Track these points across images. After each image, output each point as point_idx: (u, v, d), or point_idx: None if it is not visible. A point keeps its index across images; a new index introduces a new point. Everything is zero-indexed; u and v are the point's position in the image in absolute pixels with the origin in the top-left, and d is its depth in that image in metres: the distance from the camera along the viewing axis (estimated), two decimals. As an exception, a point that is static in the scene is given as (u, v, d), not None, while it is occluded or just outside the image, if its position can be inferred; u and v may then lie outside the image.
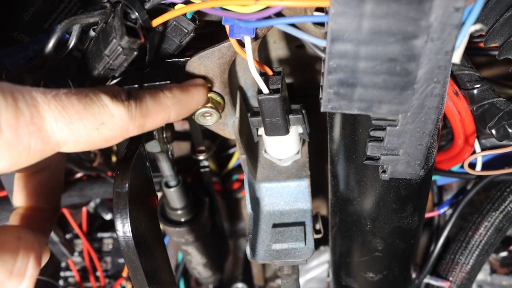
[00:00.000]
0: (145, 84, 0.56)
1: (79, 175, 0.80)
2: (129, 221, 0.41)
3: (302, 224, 0.53)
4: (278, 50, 0.64)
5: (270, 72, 0.47)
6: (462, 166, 0.64)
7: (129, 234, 0.41)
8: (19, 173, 0.46)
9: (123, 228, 0.41)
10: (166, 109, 0.41)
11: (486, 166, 0.67)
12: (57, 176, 0.48)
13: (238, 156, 0.78)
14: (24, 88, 0.33)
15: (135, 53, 0.40)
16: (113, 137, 0.37)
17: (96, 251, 0.93)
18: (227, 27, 0.42)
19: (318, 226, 0.56)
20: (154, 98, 0.40)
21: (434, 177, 0.71)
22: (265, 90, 0.45)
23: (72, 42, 0.42)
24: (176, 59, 0.49)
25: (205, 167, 0.72)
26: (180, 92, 0.43)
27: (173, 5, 0.43)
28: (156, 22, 0.41)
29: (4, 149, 0.31)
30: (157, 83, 0.55)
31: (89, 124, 0.35)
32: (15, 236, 0.38)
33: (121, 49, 0.39)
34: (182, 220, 0.72)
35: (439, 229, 0.77)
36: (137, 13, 0.40)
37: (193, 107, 0.46)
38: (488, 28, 0.48)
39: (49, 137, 0.33)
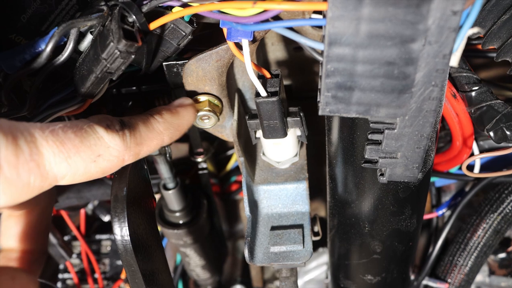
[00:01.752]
0: (143, 87, 0.56)
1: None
2: (127, 224, 0.41)
3: (301, 226, 0.53)
4: (276, 52, 0.64)
5: (268, 75, 0.47)
6: (460, 168, 0.64)
7: (127, 237, 0.41)
8: (7, 214, 0.45)
9: (121, 232, 0.41)
10: (159, 134, 0.42)
11: (484, 168, 0.67)
12: (46, 216, 0.47)
13: (236, 158, 0.78)
14: (22, 125, 0.33)
15: (133, 56, 0.40)
16: (109, 167, 0.38)
17: (94, 253, 0.93)
18: (225, 30, 0.42)
19: (317, 228, 0.56)
20: (147, 125, 0.41)
21: (432, 179, 0.71)
22: (263, 93, 0.45)
23: (69, 46, 0.42)
24: (174, 62, 0.49)
25: (203, 169, 0.71)
26: (171, 115, 0.44)
27: (170, 8, 0.42)
28: (153, 25, 0.41)
29: (4, 186, 0.31)
30: (155, 85, 0.56)
31: (86, 157, 0.35)
32: (10, 276, 0.38)
33: (118, 53, 0.39)
34: (181, 222, 0.72)
35: (438, 230, 0.77)
36: (134, 16, 0.40)
37: (185, 128, 0.46)
38: (486, 30, 0.48)
39: (47, 173, 0.34)
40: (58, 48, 0.43)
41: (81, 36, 0.43)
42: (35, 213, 0.45)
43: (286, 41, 0.62)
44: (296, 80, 0.68)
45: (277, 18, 0.40)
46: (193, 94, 0.51)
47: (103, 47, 0.39)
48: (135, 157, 0.40)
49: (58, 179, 0.35)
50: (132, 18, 0.40)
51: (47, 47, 0.42)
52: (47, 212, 0.47)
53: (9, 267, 0.42)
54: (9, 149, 0.31)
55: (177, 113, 0.45)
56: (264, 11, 0.36)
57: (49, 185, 0.34)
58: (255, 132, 0.52)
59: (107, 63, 0.40)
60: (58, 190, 0.78)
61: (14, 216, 0.45)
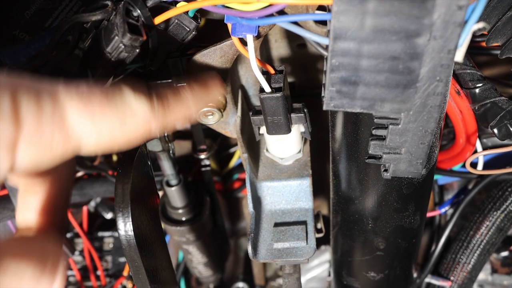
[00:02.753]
0: (146, 83, 0.56)
1: (80, 174, 0.80)
2: (131, 220, 0.41)
3: (304, 223, 0.53)
4: (279, 49, 0.64)
5: (272, 71, 0.46)
6: (463, 166, 0.64)
7: (131, 233, 0.41)
8: (24, 189, 0.42)
9: (125, 227, 0.41)
10: (187, 104, 0.39)
11: (487, 165, 0.66)
12: (66, 190, 0.44)
13: (239, 155, 0.78)
14: (46, 81, 0.31)
15: (137, 50, 0.40)
16: (135, 135, 0.35)
17: (97, 250, 0.93)
18: (229, 26, 0.42)
19: (320, 225, 0.56)
20: (175, 93, 0.38)
21: (435, 177, 0.70)
22: (267, 88, 0.45)
23: (74, 41, 0.42)
24: (178, 57, 0.49)
25: (206, 166, 0.71)
26: (200, 88, 0.41)
27: (175, 3, 0.42)
28: (158, 19, 0.41)
29: (27, 145, 0.30)
30: (159, 82, 0.56)
31: (112, 119, 0.33)
32: (39, 245, 0.37)
33: (123, 47, 0.39)
34: (183, 219, 0.72)
35: (440, 228, 0.77)
36: (139, 11, 0.40)
37: (212, 102, 0.44)
38: (490, 27, 0.47)
39: (71, 135, 0.32)
40: (62, 43, 0.43)
41: (85, 31, 0.43)
42: (56, 187, 0.42)
43: (290, 38, 0.62)
44: (299, 77, 0.68)
45: (281, 13, 0.40)
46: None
47: (108, 41, 0.39)
48: (162, 125, 0.37)
49: (82, 144, 0.33)
50: (137, 12, 0.40)
51: (51, 42, 0.42)
52: (67, 186, 0.44)
53: (37, 236, 0.40)
54: (33, 107, 0.30)
55: (206, 86, 0.43)
56: (269, 5, 0.36)
57: (72, 150, 0.32)
58: (259, 128, 0.52)
59: (111, 57, 0.40)
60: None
61: (34, 191, 0.41)
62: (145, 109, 0.35)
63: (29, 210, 0.42)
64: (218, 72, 0.49)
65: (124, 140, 0.34)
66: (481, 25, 0.47)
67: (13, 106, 0.29)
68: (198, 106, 0.40)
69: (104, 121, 0.33)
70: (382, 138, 0.41)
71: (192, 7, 0.40)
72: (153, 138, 0.37)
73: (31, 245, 0.37)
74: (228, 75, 0.50)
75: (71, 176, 0.45)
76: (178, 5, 0.42)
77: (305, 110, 0.50)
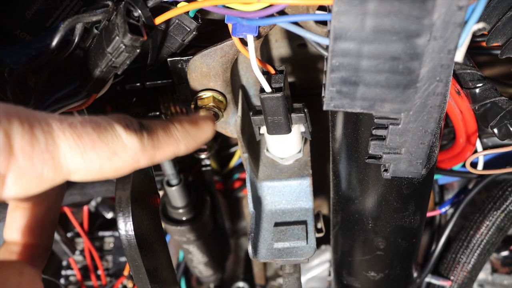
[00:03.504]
0: (147, 83, 0.56)
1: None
2: (131, 220, 0.41)
3: (304, 223, 0.53)
4: (279, 49, 0.64)
5: (272, 71, 0.47)
6: (463, 165, 0.64)
7: (132, 233, 0.41)
8: (14, 205, 0.44)
9: (126, 227, 0.41)
10: (176, 141, 0.41)
11: (487, 165, 0.67)
12: (54, 212, 0.46)
13: (239, 155, 0.78)
14: (40, 114, 0.32)
15: (138, 50, 0.40)
16: (123, 167, 0.37)
17: (97, 250, 0.93)
18: (230, 26, 0.42)
19: (320, 225, 0.56)
20: (165, 130, 0.40)
21: (435, 176, 0.71)
22: (267, 88, 0.45)
23: (75, 41, 0.42)
24: (179, 58, 0.49)
25: (206, 166, 0.72)
26: (190, 125, 0.43)
27: (175, 3, 0.43)
28: (158, 20, 0.41)
29: (17, 176, 0.31)
30: (159, 81, 0.56)
31: (102, 153, 0.34)
32: (18, 271, 0.37)
33: (123, 47, 0.39)
34: (184, 218, 0.72)
35: (441, 228, 0.77)
36: (140, 11, 0.40)
37: (202, 141, 0.45)
38: (491, 27, 0.48)
39: (61, 166, 0.33)
40: (63, 43, 0.43)
41: (86, 31, 0.43)
42: (43, 207, 0.44)
43: (290, 38, 0.62)
44: (300, 77, 0.68)
45: (282, 13, 0.40)
46: (197, 90, 0.51)
47: (109, 41, 0.39)
48: (150, 160, 0.39)
49: (72, 174, 0.34)
50: (137, 12, 0.40)
51: (52, 42, 0.42)
52: (55, 207, 0.46)
53: (16, 261, 0.42)
54: (25, 138, 0.31)
55: (196, 125, 0.44)
56: (270, 5, 0.36)
57: (61, 179, 0.34)
58: (259, 128, 0.52)
59: (112, 57, 0.40)
60: (62, 187, 0.78)
61: (21, 208, 0.44)
62: (135, 146, 0.36)
63: (15, 228, 0.43)
64: (218, 72, 0.49)
65: (112, 172, 0.36)
66: (481, 25, 0.47)
67: (6, 137, 0.30)
68: (187, 144, 0.42)
69: (94, 156, 0.34)
70: (382, 138, 0.41)
71: (192, 7, 0.40)
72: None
73: (8, 274, 0.37)
74: (229, 75, 0.50)
75: (59, 198, 0.47)
76: (178, 5, 0.42)
77: (305, 110, 0.50)
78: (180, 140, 0.41)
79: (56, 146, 0.32)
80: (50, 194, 0.44)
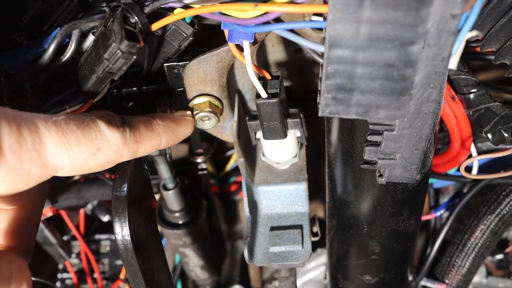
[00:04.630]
0: (144, 87, 0.56)
1: (77, 177, 0.80)
2: (127, 224, 0.41)
3: (300, 227, 0.53)
4: (276, 53, 0.64)
5: (268, 76, 0.47)
6: (458, 170, 0.65)
7: (128, 237, 0.41)
8: None
9: (122, 232, 0.41)
10: (158, 136, 0.43)
11: (482, 169, 0.67)
12: (36, 215, 0.47)
13: (235, 159, 0.78)
14: (26, 115, 0.34)
15: (134, 57, 0.40)
16: (107, 162, 0.39)
17: (94, 253, 0.93)
18: (226, 32, 0.42)
19: (316, 229, 0.56)
20: (147, 125, 0.42)
21: (430, 180, 0.71)
22: (263, 94, 0.45)
23: (71, 47, 0.43)
24: (175, 63, 0.50)
25: (203, 169, 0.72)
26: (171, 121, 0.46)
27: (172, 9, 0.43)
28: (155, 26, 0.42)
29: (6, 174, 0.32)
30: (156, 86, 0.56)
31: (86, 149, 0.36)
32: (7, 260, 0.38)
33: (120, 53, 0.39)
34: (180, 222, 0.72)
35: (436, 231, 0.77)
36: (136, 17, 0.40)
37: (182, 137, 0.48)
38: (485, 33, 0.48)
39: (48, 162, 0.34)
40: (60, 49, 0.43)
41: (83, 37, 0.44)
42: (26, 210, 0.45)
43: (286, 43, 0.63)
44: (296, 82, 0.68)
45: (278, 20, 0.41)
46: (193, 95, 0.51)
47: (105, 48, 0.39)
48: (133, 154, 0.41)
49: (58, 170, 0.35)
50: (134, 19, 0.40)
51: (49, 48, 0.42)
52: (37, 210, 0.47)
53: (5, 252, 0.42)
54: (13, 138, 0.32)
55: (177, 121, 0.47)
56: (265, 13, 0.37)
57: (48, 175, 0.35)
58: (255, 133, 0.53)
59: (109, 63, 0.40)
60: (58, 190, 0.78)
61: (3, 210, 0.44)
62: (117, 141, 0.39)
63: None
64: (215, 77, 0.49)
65: (97, 166, 0.38)
66: (474, 33, 0.47)
67: None
68: (167, 138, 0.45)
69: (79, 152, 0.36)
70: (377, 144, 0.41)
71: (189, 14, 0.40)
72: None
73: None
74: (225, 80, 0.50)
75: (42, 201, 0.48)
76: (175, 11, 0.42)
77: (301, 115, 0.50)
78: (162, 134, 0.44)
79: (43, 144, 0.34)
80: (32, 197, 0.45)
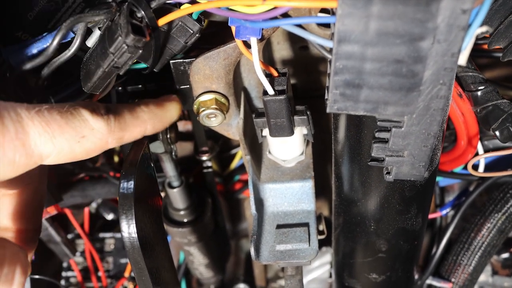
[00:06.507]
0: (149, 85, 0.56)
1: (81, 175, 0.80)
2: (134, 222, 0.41)
3: (306, 225, 0.53)
4: (281, 51, 0.64)
5: (275, 73, 0.47)
6: (464, 168, 0.64)
7: (135, 235, 0.41)
8: (1, 194, 0.45)
9: (129, 229, 0.41)
10: (143, 122, 0.44)
11: (488, 167, 0.67)
12: (39, 195, 0.48)
13: (240, 156, 0.78)
14: (9, 104, 0.35)
15: (140, 51, 0.40)
16: (93, 149, 0.39)
17: (98, 251, 0.93)
18: (233, 28, 0.42)
19: (322, 227, 0.56)
20: (131, 112, 0.43)
21: (436, 178, 0.71)
22: (270, 91, 0.45)
23: (77, 41, 0.42)
24: (181, 60, 0.49)
25: (208, 167, 0.72)
26: (156, 106, 0.46)
27: (179, 4, 0.43)
28: (161, 21, 0.41)
29: None
30: (161, 83, 0.56)
31: (70, 137, 0.37)
32: (0, 245, 0.39)
33: (126, 47, 0.39)
34: (185, 220, 0.72)
35: (442, 230, 0.77)
36: (143, 12, 0.40)
37: (168, 121, 0.48)
38: (493, 30, 0.48)
39: (32, 151, 0.35)
40: (65, 44, 0.43)
41: (88, 32, 0.43)
42: (28, 192, 0.46)
43: (292, 40, 0.62)
44: (302, 79, 0.68)
45: (285, 16, 0.41)
46: (199, 92, 0.51)
47: (111, 42, 0.39)
48: (119, 141, 0.42)
49: (43, 158, 0.36)
50: (140, 13, 0.40)
51: (54, 41, 0.42)
52: (40, 190, 0.48)
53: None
54: None
55: (162, 106, 0.47)
56: (274, 8, 0.36)
57: (34, 163, 0.36)
58: (262, 130, 0.52)
59: (114, 57, 0.40)
60: (63, 188, 0.78)
61: (8, 195, 0.45)
62: (102, 128, 0.39)
63: (4, 215, 0.45)
64: (221, 74, 0.49)
65: (83, 153, 0.39)
66: (484, 28, 0.47)
67: None
68: (153, 124, 0.45)
69: (63, 140, 0.37)
70: (385, 141, 0.41)
71: (196, 9, 0.40)
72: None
73: None
74: (232, 77, 0.50)
75: (43, 182, 0.49)
76: (182, 7, 0.42)
77: (308, 113, 0.50)
78: (147, 121, 0.44)
79: (26, 133, 0.35)
80: (32, 179, 0.46)
